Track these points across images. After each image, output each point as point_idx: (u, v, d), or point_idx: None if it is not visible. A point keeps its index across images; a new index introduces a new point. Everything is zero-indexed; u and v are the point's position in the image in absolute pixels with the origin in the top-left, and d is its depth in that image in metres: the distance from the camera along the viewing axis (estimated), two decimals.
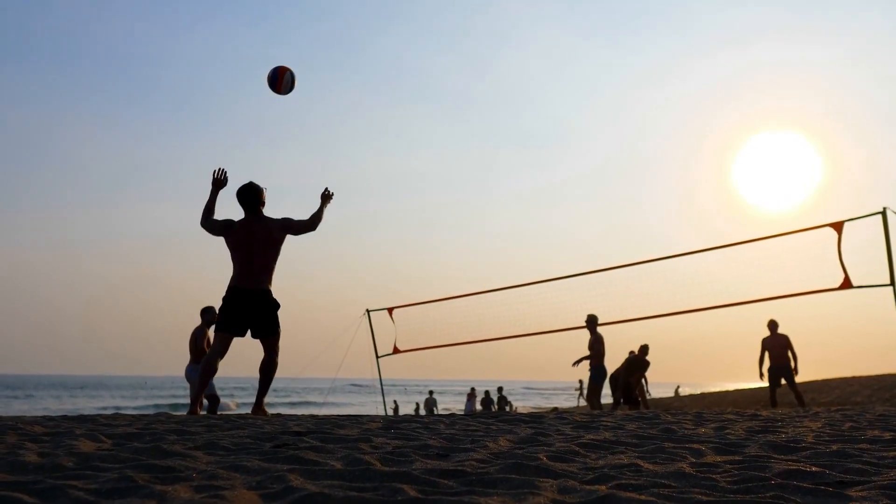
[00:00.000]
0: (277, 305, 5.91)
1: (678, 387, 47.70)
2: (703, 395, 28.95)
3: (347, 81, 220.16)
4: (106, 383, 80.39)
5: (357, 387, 62.37)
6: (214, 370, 5.98)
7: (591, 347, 11.55)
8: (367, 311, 13.76)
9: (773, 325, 11.63)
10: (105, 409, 34.97)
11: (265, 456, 2.90)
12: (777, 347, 11.55)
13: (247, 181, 5.99)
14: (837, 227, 9.83)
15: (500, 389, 22.50)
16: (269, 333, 5.91)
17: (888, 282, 9.63)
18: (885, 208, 9.79)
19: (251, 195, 5.92)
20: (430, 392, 24.90)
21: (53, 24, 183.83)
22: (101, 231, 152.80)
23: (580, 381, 31.46)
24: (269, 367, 5.97)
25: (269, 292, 5.88)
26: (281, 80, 6.10)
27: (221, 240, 5.95)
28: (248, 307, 5.81)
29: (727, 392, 28.81)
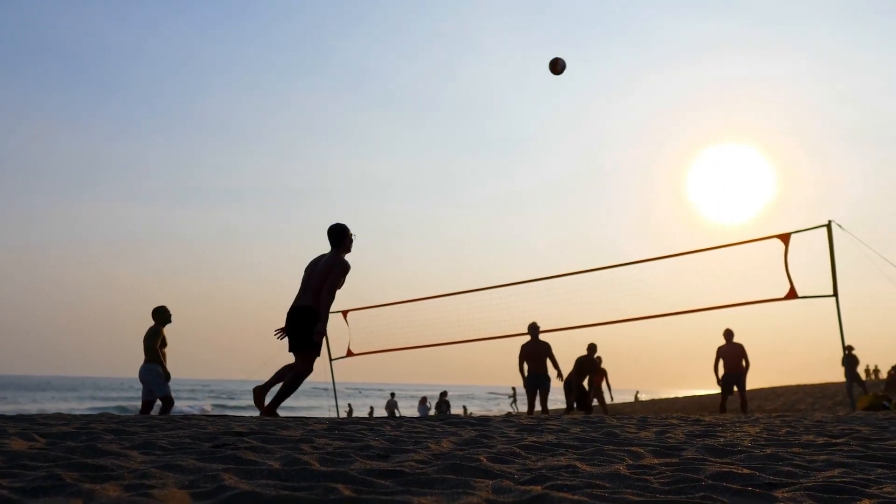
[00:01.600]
0: (315, 320, 6.20)
1: (637, 392, 48.34)
2: (654, 402, 29.36)
3: (310, 85, 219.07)
4: (56, 384, 78.30)
5: (318, 390, 61.80)
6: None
7: (532, 356, 11.47)
8: None
9: (728, 334, 11.84)
10: (60, 410, 34.05)
11: (202, 456, 2.87)
12: (732, 356, 11.76)
13: (339, 222, 6.45)
14: (784, 238, 10.07)
15: (444, 394, 22.47)
16: (298, 346, 6.24)
17: (831, 293, 9.89)
18: (829, 221, 10.06)
19: (333, 234, 6.44)
20: (392, 394, 24.75)
21: (15, 19, 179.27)
22: (62, 231, 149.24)
23: (513, 388, 31.42)
24: (292, 376, 6.24)
25: (309, 308, 6.25)
26: (557, 68, 7.63)
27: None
28: (289, 323, 6.34)
29: (678, 399, 29.26)
